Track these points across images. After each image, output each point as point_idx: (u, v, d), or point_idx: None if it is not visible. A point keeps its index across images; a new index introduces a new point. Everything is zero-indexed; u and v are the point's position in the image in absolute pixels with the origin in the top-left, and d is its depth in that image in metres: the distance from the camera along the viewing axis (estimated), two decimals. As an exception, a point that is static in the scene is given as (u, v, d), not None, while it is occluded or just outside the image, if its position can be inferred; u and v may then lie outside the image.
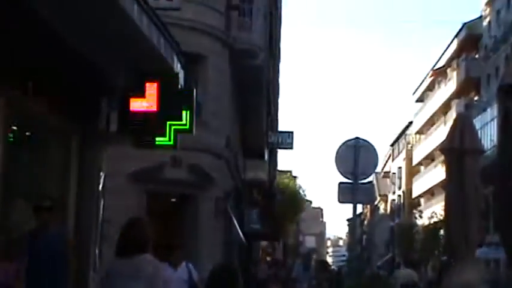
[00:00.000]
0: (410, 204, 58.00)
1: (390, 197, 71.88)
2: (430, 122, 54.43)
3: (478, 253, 8.92)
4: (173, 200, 17.68)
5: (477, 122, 37.15)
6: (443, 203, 7.56)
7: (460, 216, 6.15)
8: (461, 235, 6.23)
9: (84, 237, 7.20)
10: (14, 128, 6.17)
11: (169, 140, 7.23)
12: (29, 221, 6.22)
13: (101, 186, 7.82)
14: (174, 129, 7.19)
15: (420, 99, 59.84)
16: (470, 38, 44.09)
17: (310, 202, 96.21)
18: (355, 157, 12.03)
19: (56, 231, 6.28)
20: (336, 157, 12.22)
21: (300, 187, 52.41)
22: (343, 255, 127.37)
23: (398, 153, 68.01)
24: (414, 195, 57.89)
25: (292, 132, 32.25)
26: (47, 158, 7.07)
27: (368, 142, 12.46)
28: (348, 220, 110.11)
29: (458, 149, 6.36)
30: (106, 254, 8.39)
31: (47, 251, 6.08)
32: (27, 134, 6.64)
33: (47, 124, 6.72)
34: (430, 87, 55.36)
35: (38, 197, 6.39)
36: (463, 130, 6.49)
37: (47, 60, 6.15)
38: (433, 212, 39.31)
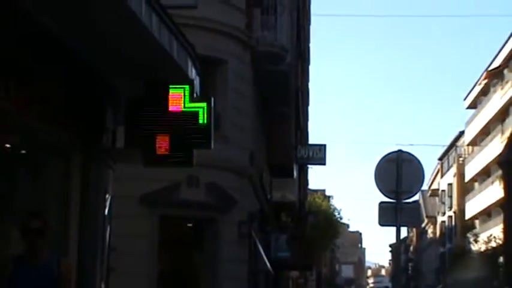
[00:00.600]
0: (464, 226, 57.39)
1: (439, 218, 71.26)
2: (485, 132, 53.94)
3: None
4: (190, 224, 17.70)
5: (540, 131, 36.78)
6: (501, 225, 7.46)
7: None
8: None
9: (88, 270, 7.20)
10: (7, 145, 6.22)
11: (185, 157, 7.23)
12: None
13: (107, 211, 7.84)
14: (190, 144, 7.20)
15: (473, 106, 59.39)
16: (529, 34, 43.72)
17: (347, 226, 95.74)
18: (398, 173, 11.97)
19: (47, 258, 5.86)
20: (375, 173, 12.17)
21: (335, 208, 52.29)
22: (386, 287, 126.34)
23: (448, 168, 67.47)
24: (468, 216, 57.32)
25: (324, 146, 32.18)
26: (44, 179, 7.11)
27: (412, 155, 12.40)
28: (390, 246, 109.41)
29: (518, 163, 6.28)
30: (113, 286, 8.40)
31: (36, 283, 5.74)
32: (22, 152, 6.69)
33: (44, 140, 6.76)
34: (484, 91, 54.91)
35: (26, 214, 5.91)
36: (523, 140, 6.41)
37: (41, 67, 6.19)
38: (491, 236, 38.85)
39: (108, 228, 8.00)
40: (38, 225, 5.78)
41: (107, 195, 7.87)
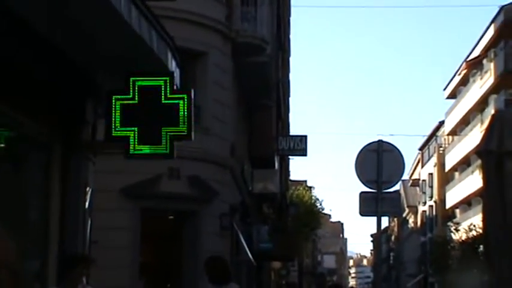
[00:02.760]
0: (444, 216, 57.80)
1: (420, 208, 71.70)
2: (465, 121, 54.27)
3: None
4: (171, 217, 17.71)
5: (518, 120, 37.00)
6: (481, 214, 7.55)
7: (500, 230, 6.11)
8: (503, 251, 6.19)
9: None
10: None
11: (165, 149, 7.23)
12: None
13: (87, 204, 7.83)
14: (170, 135, 7.20)
15: (452, 96, 59.69)
16: (508, 24, 43.96)
17: (329, 216, 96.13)
18: (378, 163, 12.05)
19: None
20: (356, 164, 12.23)
21: (317, 199, 52.54)
22: (368, 277, 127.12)
23: (429, 158, 67.88)
24: (448, 205, 57.71)
25: (305, 137, 32.23)
26: (24, 172, 7.08)
27: (392, 145, 12.47)
28: (372, 236, 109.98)
29: (496, 152, 6.33)
30: (95, 279, 8.40)
31: None
32: (1, 145, 6.66)
33: (24, 133, 6.74)
34: (464, 81, 55.22)
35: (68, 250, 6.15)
36: (502, 129, 6.46)
37: (18, 57, 6.16)
38: (472, 225, 39.15)
39: (89, 221, 7.98)
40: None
41: (88, 188, 7.85)
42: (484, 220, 6.74)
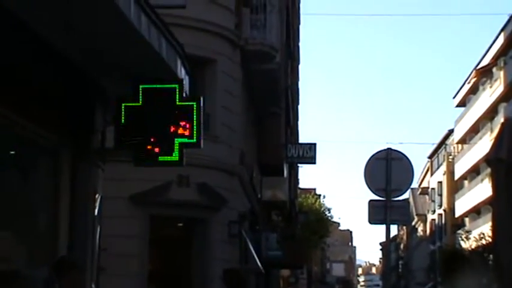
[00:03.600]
0: (453, 224, 57.56)
1: (429, 216, 71.46)
2: (474, 130, 54.09)
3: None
4: (180, 224, 17.70)
5: (528, 128, 36.86)
6: (491, 223, 7.52)
7: (510, 238, 6.07)
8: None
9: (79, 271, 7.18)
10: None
11: (175, 156, 7.23)
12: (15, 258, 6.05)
13: (96, 211, 7.83)
14: (180, 143, 7.19)
15: (462, 104, 59.53)
16: (518, 32, 43.86)
17: (338, 224, 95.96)
18: (387, 171, 12.02)
19: None
20: (365, 172, 12.21)
21: (326, 207, 52.44)
22: (377, 285, 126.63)
23: (438, 166, 67.65)
24: (457, 214, 57.49)
25: (314, 145, 32.20)
26: (34, 180, 7.09)
27: (401, 153, 12.44)
28: (381, 244, 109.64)
29: (506, 160, 6.30)
30: (104, 287, 8.40)
31: None
32: (11, 152, 6.68)
33: (33, 141, 6.75)
34: (473, 90, 55.07)
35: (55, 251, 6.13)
36: (511, 138, 6.43)
37: (28, 66, 6.17)
38: (481, 233, 38.98)
39: (98, 229, 7.99)
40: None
41: (97, 196, 7.86)
42: (493, 229, 6.69)
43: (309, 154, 31.51)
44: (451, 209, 59.99)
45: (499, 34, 46.78)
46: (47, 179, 7.17)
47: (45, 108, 6.54)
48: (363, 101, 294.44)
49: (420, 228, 77.33)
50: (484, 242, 37.85)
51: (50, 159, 7.14)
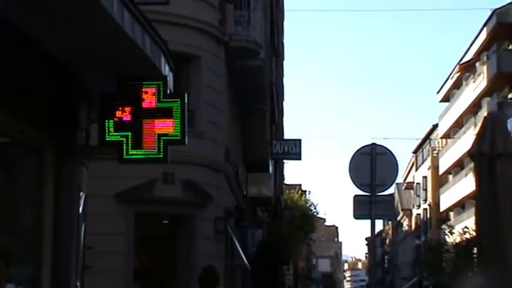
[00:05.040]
0: (438, 219, 57.87)
1: (415, 211, 71.79)
2: (458, 124, 54.37)
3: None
4: (165, 221, 17.68)
5: (511, 123, 37.15)
6: (474, 217, 7.59)
7: (493, 232, 6.12)
8: (495, 253, 6.20)
9: (63, 268, 7.17)
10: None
11: (159, 153, 7.21)
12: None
13: (81, 209, 7.81)
14: (164, 140, 7.19)
15: (446, 99, 59.81)
16: (501, 27, 44.09)
17: (323, 220, 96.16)
18: (372, 166, 12.06)
19: None
20: (350, 167, 12.25)
21: (311, 203, 52.47)
22: (363, 280, 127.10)
23: (423, 161, 67.96)
24: (442, 208, 57.79)
25: (299, 140, 32.24)
26: (17, 178, 7.06)
27: (385, 148, 12.50)
28: (366, 239, 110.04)
29: (488, 154, 6.35)
30: (88, 285, 8.38)
31: None
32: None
33: (16, 138, 6.72)
34: (457, 85, 55.34)
35: None
36: (494, 132, 6.48)
37: (9, 62, 6.14)
38: (465, 227, 39.21)
39: (83, 226, 7.96)
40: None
41: (82, 193, 7.83)
42: (477, 222, 6.75)
43: (294, 150, 31.55)
44: (436, 203, 60.29)
45: (482, 29, 47.01)
46: (31, 177, 7.14)
47: (29, 106, 6.51)
48: (347, 97, 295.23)
49: (405, 223, 77.66)
50: (468, 236, 38.07)
51: (33, 157, 7.10)
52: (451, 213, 55.81)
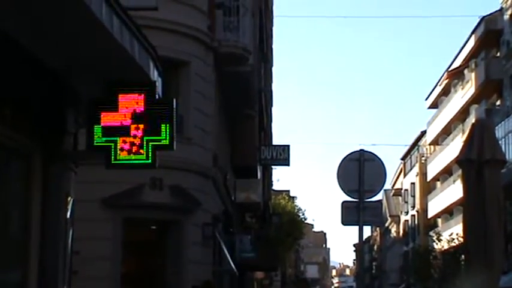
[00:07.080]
0: (426, 225, 58.05)
1: (403, 217, 71.97)
2: (446, 131, 54.61)
3: (502, 283, 8.88)
4: (153, 227, 17.65)
5: (499, 130, 37.34)
6: (462, 223, 7.62)
7: (481, 238, 6.15)
8: (483, 260, 6.22)
9: (50, 274, 7.14)
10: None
11: (147, 159, 7.20)
12: None
13: (69, 214, 7.78)
14: (152, 145, 7.17)
15: (434, 106, 60.09)
16: (489, 34, 44.37)
17: (312, 226, 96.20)
18: (360, 172, 12.09)
19: None
20: (338, 173, 12.28)
21: (299, 209, 52.53)
22: (351, 286, 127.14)
23: (411, 168, 68.19)
24: (430, 215, 57.98)
25: (288, 146, 32.31)
26: (4, 183, 7.03)
27: (374, 154, 12.53)
28: (354, 245, 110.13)
29: (476, 161, 6.38)
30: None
31: None
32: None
33: (3, 144, 6.69)
34: (445, 91, 55.59)
35: None
36: (482, 139, 6.51)
37: None
38: (452, 234, 39.37)
39: (71, 232, 7.93)
40: None
41: (69, 198, 7.81)
42: (464, 228, 6.77)
43: (282, 156, 31.62)
44: (424, 210, 60.51)
45: (470, 36, 47.27)
46: (18, 182, 7.11)
47: (16, 110, 6.49)
48: (336, 103, 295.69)
49: (393, 230, 77.84)
50: (456, 242, 38.22)
51: (21, 162, 7.08)
52: (439, 220, 56.01)
